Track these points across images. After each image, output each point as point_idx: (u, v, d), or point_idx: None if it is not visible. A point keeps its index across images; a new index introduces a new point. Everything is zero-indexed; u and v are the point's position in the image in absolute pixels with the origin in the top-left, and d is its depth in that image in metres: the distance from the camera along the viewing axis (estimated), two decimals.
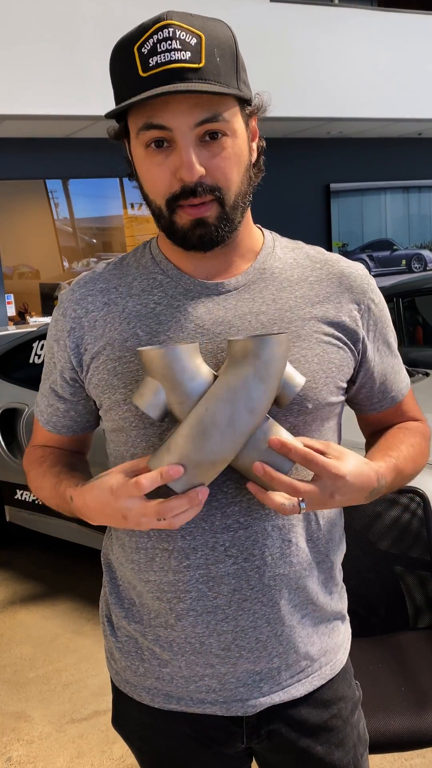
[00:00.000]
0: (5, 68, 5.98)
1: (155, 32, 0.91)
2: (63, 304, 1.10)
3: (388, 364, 1.14)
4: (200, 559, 1.03)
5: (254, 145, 1.03)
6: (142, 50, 0.92)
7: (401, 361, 1.18)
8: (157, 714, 1.11)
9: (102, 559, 1.20)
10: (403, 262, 10.30)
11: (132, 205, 8.89)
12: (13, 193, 8.39)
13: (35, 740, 2.51)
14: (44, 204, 8.82)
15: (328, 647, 1.12)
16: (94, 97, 6.31)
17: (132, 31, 0.94)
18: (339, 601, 1.16)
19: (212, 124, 0.93)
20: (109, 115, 0.97)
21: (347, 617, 1.20)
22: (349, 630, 1.20)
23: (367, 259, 9.92)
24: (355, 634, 1.88)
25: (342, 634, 1.17)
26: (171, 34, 0.91)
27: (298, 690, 1.09)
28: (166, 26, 0.91)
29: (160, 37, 0.91)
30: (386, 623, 1.95)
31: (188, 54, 0.91)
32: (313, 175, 9.33)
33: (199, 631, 1.04)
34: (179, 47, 0.91)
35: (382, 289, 5.98)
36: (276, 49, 6.96)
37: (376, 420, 1.18)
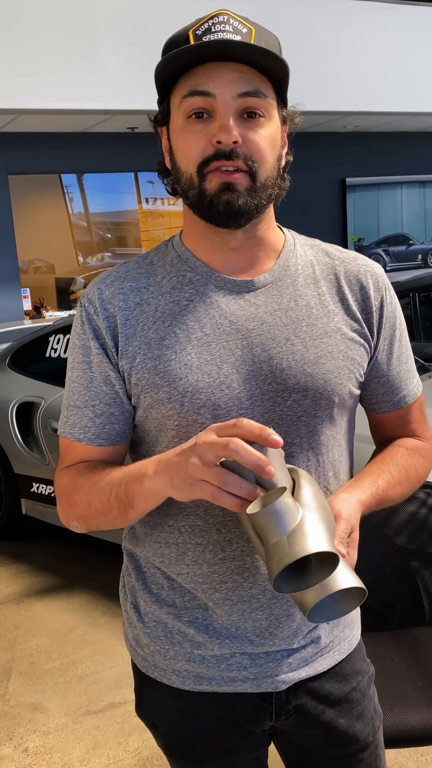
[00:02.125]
0: (21, 63, 5.99)
1: (210, 18, 0.98)
2: (93, 303, 1.08)
3: (396, 367, 1.15)
4: (236, 551, 1.06)
5: (284, 152, 1.07)
6: (197, 32, 0.98)
7: (414, 370, 1.19)
8: (186, 696, 1.14)
9: (124, 549, 1.21)
10: (419, 257, 10.24)
11: (147, 200, 8.89)
12: (29, 187, 8.41)
13: (51, 731, 2.53)
14: (59, 198, 8.84)
15: (346, 623, 1.19)
16: (109, 92, 6.32)
17: (187, 25, 1.01)
18: None
19: (254, 99, 0.98)
20: (159, 77, 1.00)
21: None
22: (359, 608, 1.26)
23: (382, 254, 9.87)
24: (372, 629, 1.89)
25: (355, 611, 1.23)
26: (225, 20, 0.98)
27: (321, 665, 1.15)
28: (222, 14, 0.98)
29: (214, 21, 0.98)
30: (402, 618, 1.95)
31: (239, 37, 0.97)
32: (329, 169, 9.29)
33: (235, 618, 1.08)
34: (231, 30, 0.97)
35: (398, 284, 5.97)
36: (291, 42, 6.90)
37: (381, 422, 1.21)
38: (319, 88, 7.17)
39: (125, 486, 1.00)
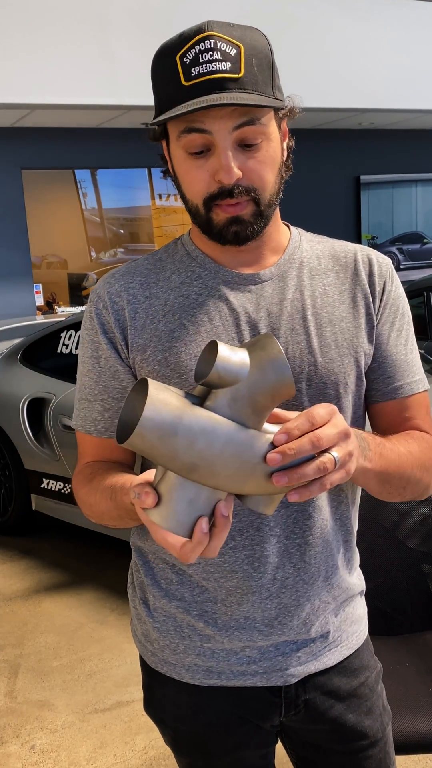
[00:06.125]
0: (36, 57, 5.98)
1: (197, 43, 0.96)
2: (102, 298, 1.11)
3: (394, 354, 1.13)
4: (246, 540, 1.07)
5: (285, 145, 1.08)
6: (185, 60, 0.96)
7: (417, 366, 1.16)
8: (196, 691, 1.14)
9: (132, 545, 1.21)
10: None
11: (160, 196, 8.87)
12: (42, 182, 8.41)
13: (59, 729, 2.53)
14: (73, 194, 8.83)
15: (353, 618, 1.20)
16: (124, 87, 6.30)
17: (173, 40, 0.99)
18: (358, 576, 1.23)
19: (249, 127, 0.98)
20: (154, 123, 1.02)
21: (364, 592, 1.26)
22: (366, 605, 1.27)
23: (396, 252, 9.81)
24: (382, 633, 1.87)
25: (362, 607, 1.24)
26: (212, 45, 0.95)
27: (330, 659, 1.15)
28: (208, 37, 0.96)
29: (201, 48, 0.95)
30: (413, 622, 1.92)
31: (228, 65, 0.96)
32: (344, 166, 9.24)
33: (244, 609, 1.09)
34: (220, 58, 0.95)
35: (412, 282, 5.90)
36: (307, 38, 6.89)
37: (382, 415, 1.15)
38: (335, 85, 7.13)
39: (116, 498, 1.01)
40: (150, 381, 0.77)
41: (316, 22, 6.95)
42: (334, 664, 1.16)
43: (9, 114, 6.65)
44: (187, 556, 0.80)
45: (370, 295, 1.12)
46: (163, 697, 1.19)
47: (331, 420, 0.83)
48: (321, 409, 0.83)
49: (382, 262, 1.15)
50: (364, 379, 1.12)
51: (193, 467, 0.77)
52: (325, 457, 0.81)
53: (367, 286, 1.12)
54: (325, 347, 1.07)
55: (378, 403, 1.15)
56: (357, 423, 1.14)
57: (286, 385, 0.80)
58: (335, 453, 0.82)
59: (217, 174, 0.99)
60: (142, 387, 0.80)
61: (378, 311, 1.12)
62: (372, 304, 1.12)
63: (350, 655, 1.18)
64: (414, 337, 1.17)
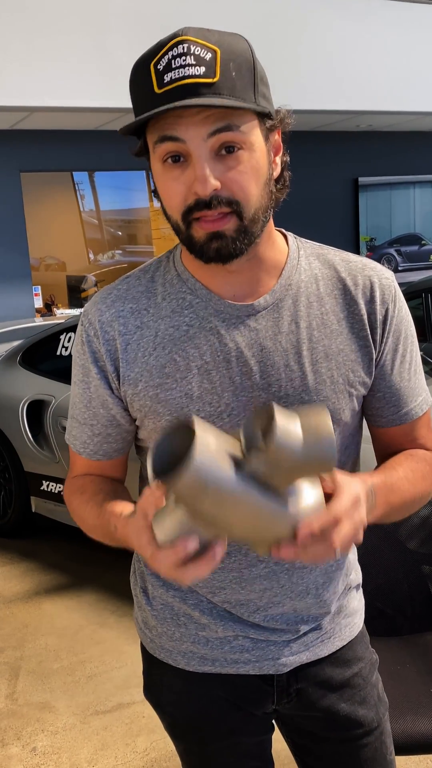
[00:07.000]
0: (35, 60, 5.98)
1: (170, 49, 0.91)
2: (93, 325, 1.07)
3: (398, 382, 1.11)
4: (234, 563, 1.09)
5: (277, 160, 1.01)
6: (158, 67, 0.91)
7: (421, 386, 1.15)
8: (191, 677, 1.17)
9: None
10: None
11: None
12: (41, 184, 8.41)
13: (60, 731, 2.53)
14: (71, 196, 8.83)
15: (348, 612, 1.22)
16: (122, 90, 6.25)
17: (150, 49, 0.94)
18: (355, 572, 1.24)
19: (226, 134, 0.92)
20: (124, 131, 0.96)
21: (360, 585, 1.27)
22: (363, 598, 1.28)
23: (395, 254, 9.82)
24: (382, 634, 1.87)
25: (358, 601, 1.25)
26: (185, 50, 0.90)
27: (322, 650, 1.18)
28: (181, 42, 0.90)
29: (174, 53, 0.90)
30: (414, 623, 1.93)
31: (202, 69, 0.90)
32: (342, 168, 9.25)
33: (235, 616, 1.13)
34: (193, 62, 0.90)
35: (410, 284, 5.89)
36: (305, 40, 6.90)
37: (386, 437, 1.16)
38: (332, 87, 7.13)
39: (104, 518, 1.03)
40: (197, 434, 0.78)
41: (313, 24, 6.96)
42: (326, 655, 1.18)
43: (8, 117, 6.65)
44: (155, 559, 0.83)
45: (368, 328, 1.07)
46: (160, 682, 1.22)
47: (353, 513, 0.87)
48: (347, 501, 0.86)
49: (385, 284, 1.08)
50: (359, 408, 1.10)
51: (212, 522, 0.81)
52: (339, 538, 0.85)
53: (368, 316, 1.06)
54: (320, 384, 1.04)
55: (383, 428, 1.15)
56: (350, 449, 1.14)
57: (327, 465, 0.83)
58: (338, 550, 0.86)
59: (193, 185, 0.93)
60: (187, 431, 0.80)
61: (380, 342, 1.08)
62: (372, 336, 1.07)
63: (343, 646, 1.20)
64: (418, 353, 1.14)
